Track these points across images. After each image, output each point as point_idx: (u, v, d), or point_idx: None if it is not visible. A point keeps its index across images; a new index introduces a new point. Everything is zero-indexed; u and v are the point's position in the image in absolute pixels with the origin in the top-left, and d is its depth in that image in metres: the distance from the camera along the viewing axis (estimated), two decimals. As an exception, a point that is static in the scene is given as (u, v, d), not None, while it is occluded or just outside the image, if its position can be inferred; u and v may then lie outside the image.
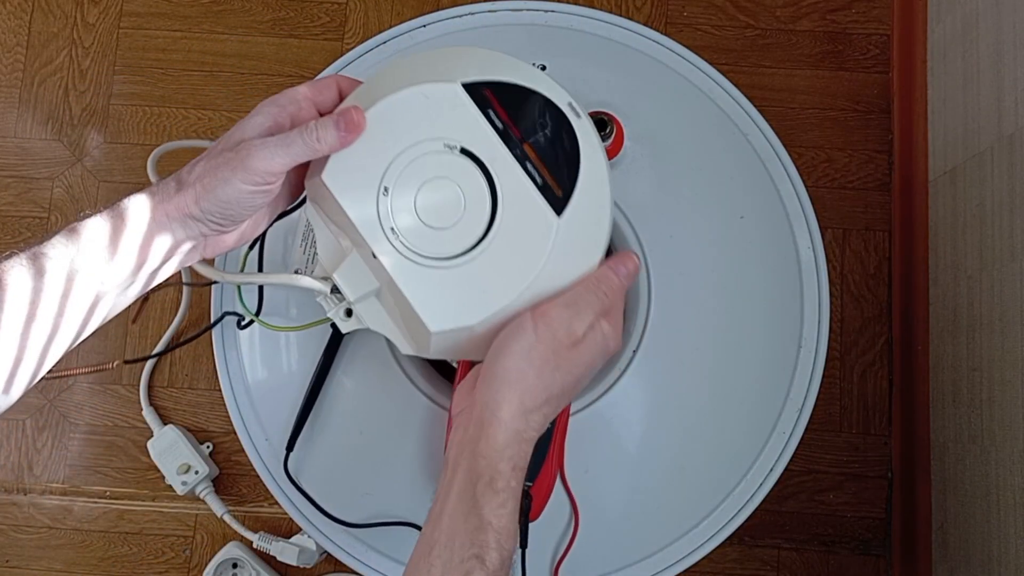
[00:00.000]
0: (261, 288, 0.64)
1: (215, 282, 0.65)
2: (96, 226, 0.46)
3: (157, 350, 1.07)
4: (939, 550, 0.93)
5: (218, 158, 0.47)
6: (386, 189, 0.49)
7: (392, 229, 0.49)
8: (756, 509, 0.64)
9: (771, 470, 0.64)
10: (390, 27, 0.71)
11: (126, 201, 0.47)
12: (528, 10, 0.70)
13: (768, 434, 0.64)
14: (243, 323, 0.66)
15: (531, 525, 0.58)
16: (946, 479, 0.92)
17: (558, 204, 0.48)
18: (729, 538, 0.63)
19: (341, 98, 0.51)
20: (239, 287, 0.63)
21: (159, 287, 0.58)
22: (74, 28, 1.16)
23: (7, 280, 0.44)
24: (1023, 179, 0.78)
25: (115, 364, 1.07)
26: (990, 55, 0.85)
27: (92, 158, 1.13)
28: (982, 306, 0.85)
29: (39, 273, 0.45)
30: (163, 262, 0.49)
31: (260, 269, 0.64)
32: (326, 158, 0.49)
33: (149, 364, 1.06)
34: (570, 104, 0.49)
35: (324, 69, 0.70)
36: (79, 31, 1.16)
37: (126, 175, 1.12)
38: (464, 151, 0.49)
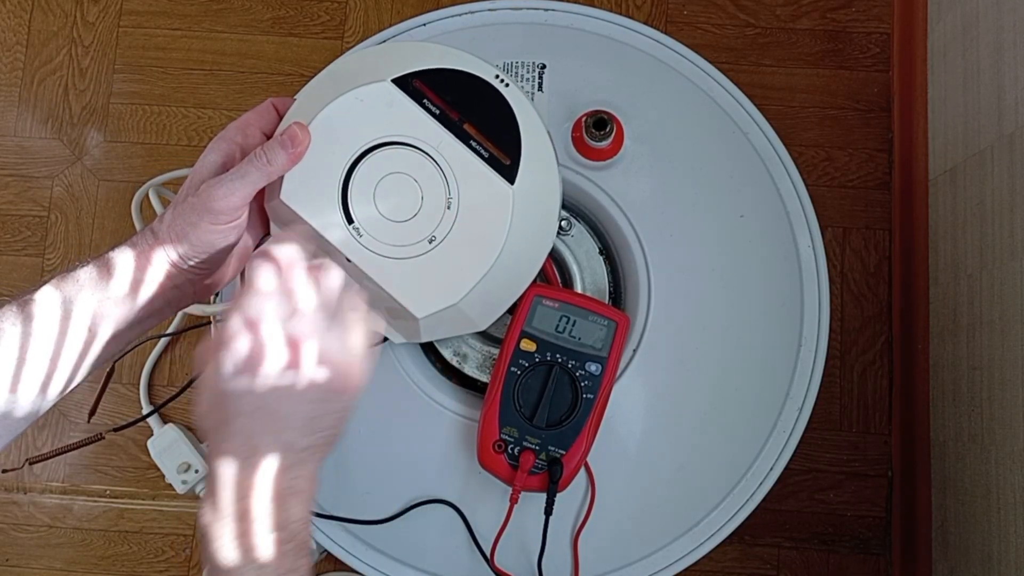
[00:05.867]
0: None
1: (205, 323, 0.66)
2: (86, 272, 0.47)
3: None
4: (939, 549, 0.93)
5: (183, 204, 0.48)
6: (345, 197, 0.51)
7: (358, 231, 0.51)
8: (756, 508, 0.64)
9: (771, 469, 0.64)
10: (390, 26, 0.71)
11: (110, 254, 0.48)
12: (528, 8, 0.70)
13: (768, 433, 0.64)
14: None
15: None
16: (946, 478, 0.92)
17: (509, 172, 0.50)
18: (729, 537, 0.63)
19: (281, 118, 0.53)
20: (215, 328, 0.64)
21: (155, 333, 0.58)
22: (74, 27, 1.16)
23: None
24: (1023, 178, 0.78)
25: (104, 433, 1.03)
26: (990, 53, 0.85)
27: (92, 157, 1.13)
28: (982, 305, 0.85)
29: (31, 311, 0.46)
30: (153, 308, 0.49)
31: None
32: (281, 180, 0.50)
33: (149, 363, 1.06)
34: (496, 76, 0.51)
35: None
36: (79, 30, 1.15)
37: (126, 174, 1.12)
38: (409, 143, 0.50)
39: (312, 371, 0.42)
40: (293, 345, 0.42)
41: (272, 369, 0.42)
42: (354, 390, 0.45)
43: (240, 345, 0.42)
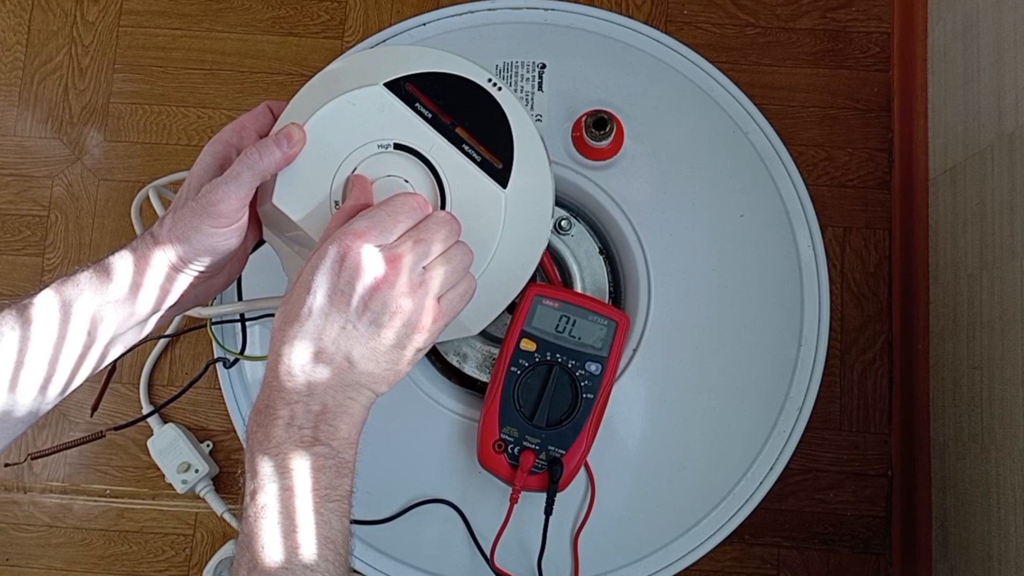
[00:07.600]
0: (244, 324, 0.64)
1: (202, 325, 0.66)
2: (86, 275, 0.48)
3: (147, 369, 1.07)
4: (939, 548, 0.94)
5: (184, 208, 0.48)
6: (336, 202, 0.50)
7: None
8: (756, 507, 0.64)
9: (771, 468, 0.64)
10: (390, 25, 0.71)
11: (110, 257, 0.48)
12: (528, 8, 0.70)
13: (768, 433, 0.64)
14: (229, 363, 0.66)
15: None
16: (946, 477, 0.92)
17: (501, 176, 0.50)
18: (729, 536, 0.63)
19: (275, 120, 0.52)
20: (211, 330, 0.64)
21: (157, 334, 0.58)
22: (74, 26, 1.16)
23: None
24: (1023, 178, 0.78)
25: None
26: (991, 53, 0.85)
27: (92, 156, 1.13)
28: (982, 304, 0.85)
29: (30, 313, 0.46)
30: (153, 311, 0.49)
31: (240, 299, 0.63)
32: (273, 185, 0.50)
33: (149, 363, 1.06)
34: (489, 80, 0.51)
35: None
36: (79, 29, 1.15)
37: (126, 173, 1.12)
38: (401, 147, 0.50)
39: (403, 302, 0.44)
40: (395, 269, 0.44)
41: (378, 286, 0.43)
42: (425, 334, 0.46)
43: (356, 253, 0.43)
